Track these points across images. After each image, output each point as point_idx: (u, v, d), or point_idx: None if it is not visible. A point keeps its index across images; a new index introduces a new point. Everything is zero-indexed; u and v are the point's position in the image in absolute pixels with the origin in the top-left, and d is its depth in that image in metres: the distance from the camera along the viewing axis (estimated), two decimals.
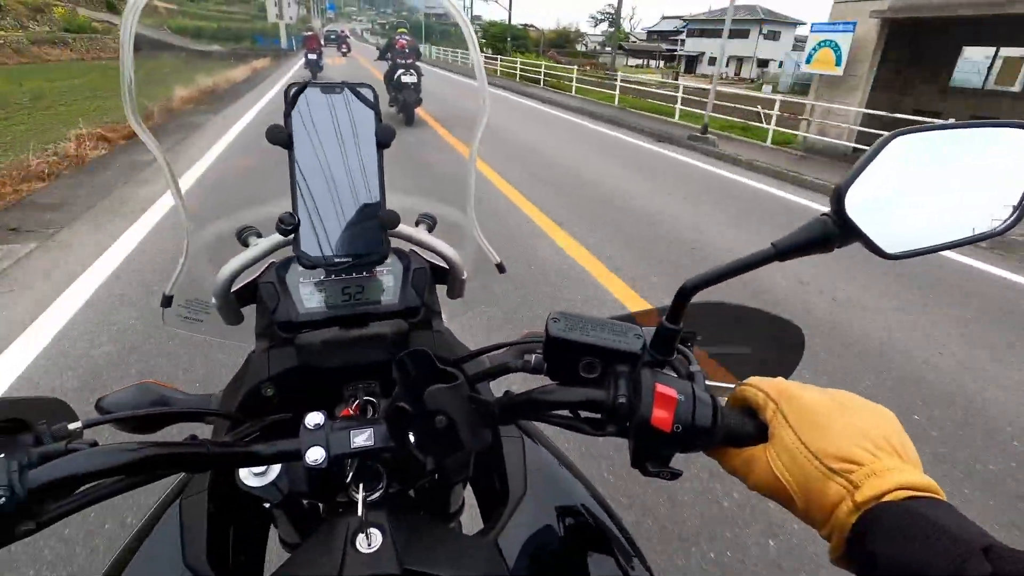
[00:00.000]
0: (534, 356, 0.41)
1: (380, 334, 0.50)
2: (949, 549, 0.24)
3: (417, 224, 0.62)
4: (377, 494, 0.42)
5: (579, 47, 45.82)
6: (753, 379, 0.37)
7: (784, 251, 0.34)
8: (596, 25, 59.07)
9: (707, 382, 0.37)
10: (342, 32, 27.00)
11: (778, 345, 0.60)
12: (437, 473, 0.44)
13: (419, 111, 7.48)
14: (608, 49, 50.34)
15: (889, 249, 0.33)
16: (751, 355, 0.58)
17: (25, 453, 0.30)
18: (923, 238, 0.34)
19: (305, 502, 0.49)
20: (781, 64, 40.45)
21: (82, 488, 0.32)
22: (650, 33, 61.76)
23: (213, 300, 0.56)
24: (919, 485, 0.28)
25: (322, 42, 15.23)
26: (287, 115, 0.44)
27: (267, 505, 0.44)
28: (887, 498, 0.28)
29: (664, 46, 55.65)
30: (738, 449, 0.35)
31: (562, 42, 42.99)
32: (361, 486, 0.41)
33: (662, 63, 53.21)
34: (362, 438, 0.39)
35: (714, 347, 0.52)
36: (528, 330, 0.56)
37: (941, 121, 0.35)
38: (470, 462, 0.47)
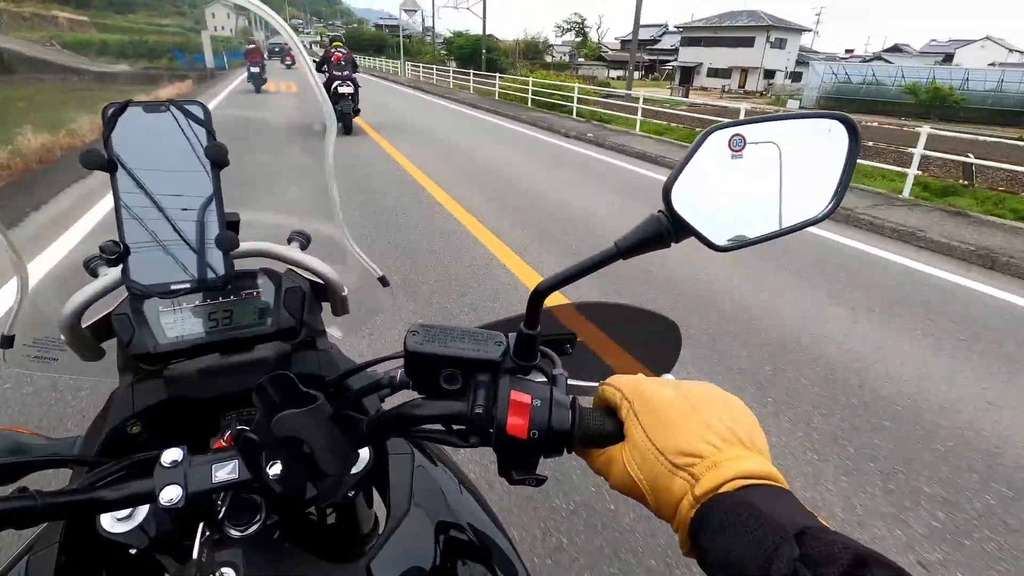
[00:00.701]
0: (399, 372, 0.45)
1: (261, 358, 0.54)
2: (765, 536, 0.29)
3: (289, 242, 0.68)
4: (253, 527, 0.45)
5: (547, 58, 47.84)
6: (613, 378, 0.43)
7: (625, 249, 0.40)
8: (562, 34, 62.19)
9: (572, 382, 0.43)
10: (284, 45, 29.99)
11: (657, 340, 0.67)
12: (313, 502, 0.46)
13: (357, 120, 9.50)
14: (580, 60, 52.78)
15: (719, 241, 0.40)
16: (625, 353, 0.66)
17: None
18: (750, 229, 0.41)
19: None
20: (793, 76, 42.48)
21: None
22: (624, 42, 65.15)
23: (62, 337, 0.59)
24: (756, 473, 0.33)
25: (265, 55, 16.76)
26: (106, 137, 0.49)
27: (132, 551, 0.46)
28: (723, 488, 0.33)
29: (646, 56, 58.55)
30: (600, 450, 0.40)
31: (532, 53, 44.86)
32: (221, 525, 0.44)
33: (645, 75, 55.70)
34: (225, 471, 0.42)
35: (598, 347, 0.59)
36: None
37: (758, 115, 0.42)
38: (340, 486, 0.50)
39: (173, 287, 0.50)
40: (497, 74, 19.18)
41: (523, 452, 0.40)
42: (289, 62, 27.14)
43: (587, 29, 61.23)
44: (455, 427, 0.43)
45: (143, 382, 0.53)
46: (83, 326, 0.60)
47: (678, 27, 51.36)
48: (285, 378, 0.43)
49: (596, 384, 0.52)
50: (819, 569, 0.26)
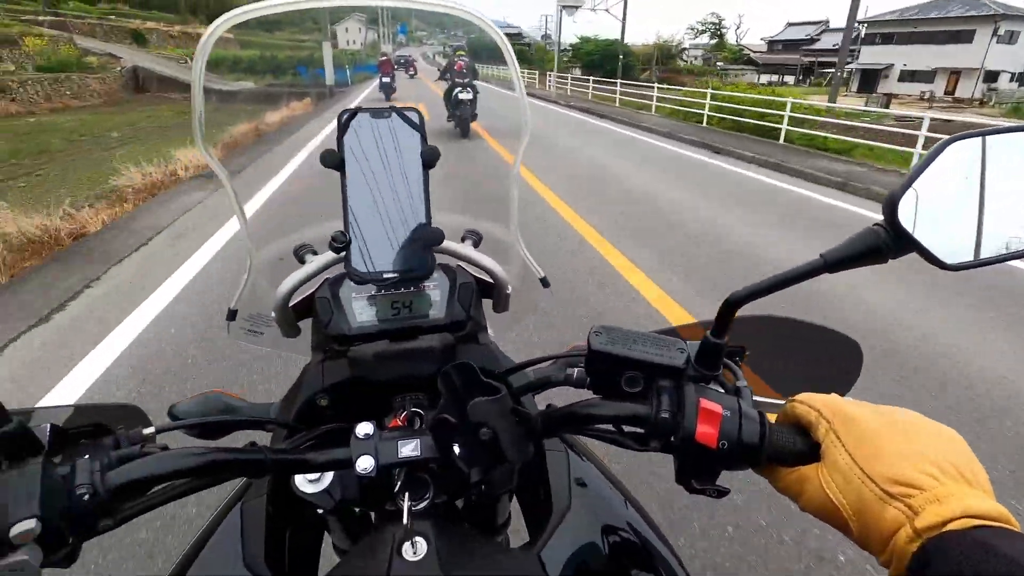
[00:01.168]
0: (576, 370, 0.53)
1: (428, 347, 0.65)
2: None
3: (463, 240, 0.80)
4: (423, 504, 0.54)
5: (679, 62, 47.04)
6: (804, 395, 0.45)
7: (833, 263, 0.43)
8: (696, 36, 60.73)
9: (755, 398, 0.47)
10: (410, 57, 37.22)
11: (833, 360, 0.69)
12: (482, 485, 0.54)
13: (474, 125, 10.83)
14: (719, 63, 50.97)
15: (947, 259, 0.41)
16: (804, 371, 0.68)
17: (106, 455, 0.43)
18: (984, 248, 0.42)
19: (356, 510, 0.63)
20: (1021, 78, 36.78)
21: (154, 489, 0.46)
22: (772, 43, 62.20)
23: (272, 314, 0.75)
24: (988, 513, 0.33)
25: (394, 66, 19.98)
26: (339, 139, 0.60)
27: (320, 511, 0.57)
28: (951, 526, 0.33)
29: (803, 58, 55.42)
30: (788, 468, 0.43)
31: (664, 57, 44.45)
32: (407, 495, 0.53)
33: (803, 79, 52.53)
34: (409, 448, 0.51)
35: (764, 362, 0.61)
36: (574, 343, 0.70)
37: (1004, 124, 0.42)
38: (514, 475, 0.58)
39: (386, 276, 0.61)
40: (656, 84, 17.90)
41: (707, 462, 0.44)
42: (412, 72, 32.28)
43: (724, 30, 59.62)
44: (629, 430, 0.48)
45: (332, 360, 0.66)
46: (289, 306, 0.75)
47: (862, 22, 45.69)
48: (468, 367, 0.51)
49: (776, 401, 0.55)
50: None
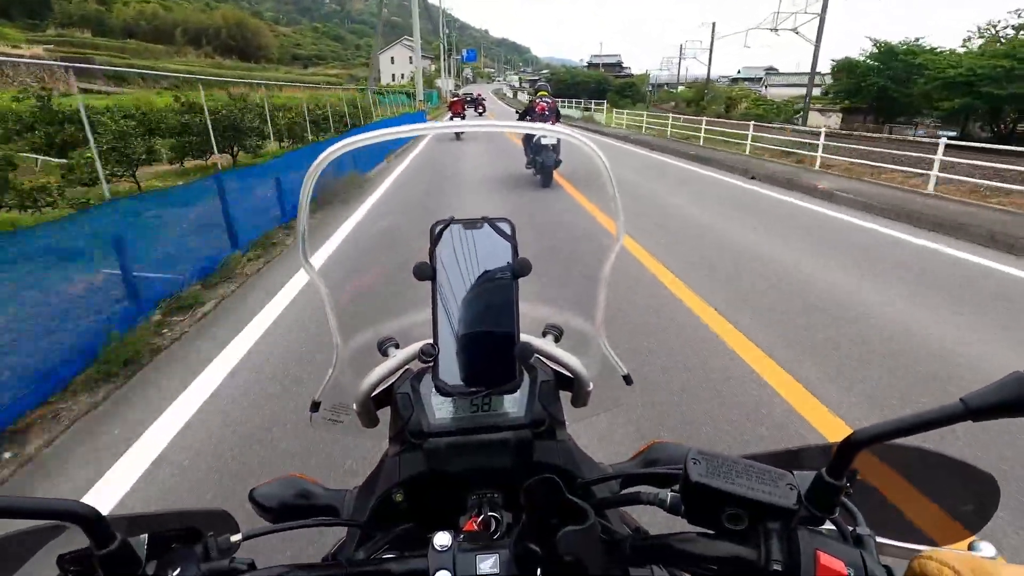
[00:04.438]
0: (670, 494, 0.49)
1: (504, 440, 0.63)
2: None
3: (544, 335, 0.78)
4: None
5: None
6: (937, 551, 0.40)
7: (976, 410, 0.38)
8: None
9: (879, 539, 0.41)
10: (479, 95, 36.24)
11: (963, 496, 0.61)
12: None
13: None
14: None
15: None
16: (927, 509, 0.61)
17: (196, 568, 0.44)
18: None
19: None
20: None
21: None
22: None
23: (354, 406, 0.77)
24: None
25: (464, 107, 20.32)
26: (432, 251, 0.61)
27: None
28: None
29: None
30: None
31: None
32: None
33: None
34: (488, 564, 0.49)
35: (878, 494, 0.56)
36: (654, 439, 0.67)
37: None
38: None
39: (472, 390, 0.61)
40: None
41: None
42: (481, 111, 31.49)
43: None
44: (730, 571, 0.44)
45: (409, 452, 0.65)
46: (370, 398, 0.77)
47: None
48: (553, 484, 0.49)
49: (902, 545, 0.48)
50: None
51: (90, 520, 0.41)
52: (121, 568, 0.41)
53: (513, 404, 0.66)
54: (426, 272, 0.59)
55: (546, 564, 0.47)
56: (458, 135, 18.79)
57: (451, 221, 0.61)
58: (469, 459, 0.62)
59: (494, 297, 0.61)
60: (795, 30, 24.45)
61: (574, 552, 0.45)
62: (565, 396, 0.77)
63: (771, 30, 25.94)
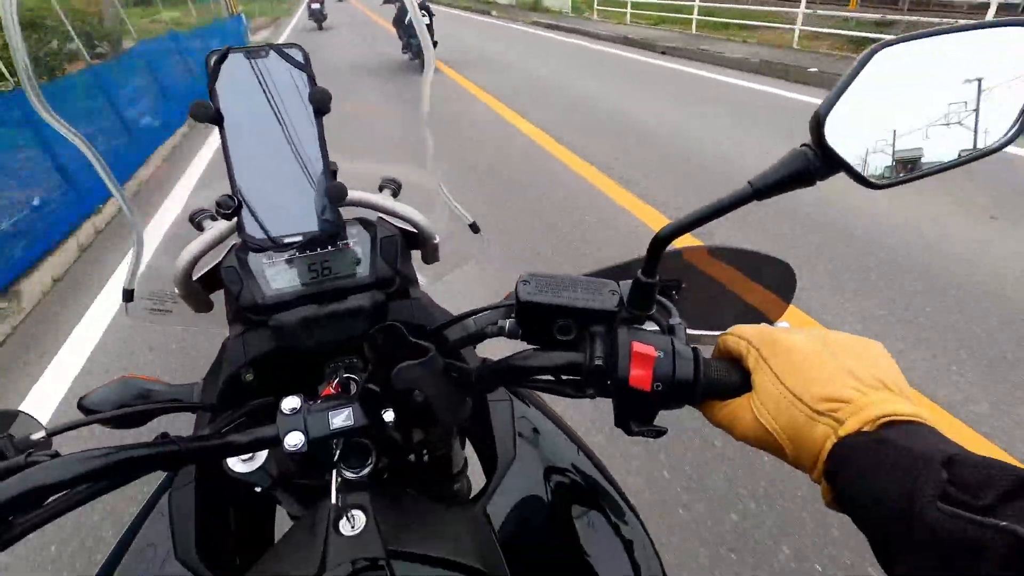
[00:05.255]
0: (508, 321, 0.49)
1: (357, 307, 0.60)
2: (908, 467, 0.31)
3: (381, 190, 0.74)
4: (366, 470, 0.53)
5: None
6: (736, 327, 0.45)
7: (761, 189, 0.41)
8: None
9: (689, 331, 0.45)
10: None
11: (767, 285, 0.69)
12: (422, 447, 0.51)
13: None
14: None
15: (876, 179, 0.39)
16: (738, 299, 0.68)
17: None
18: (912, 162, 0.39)
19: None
20: None
21: (52, 499, 0.41)
22: None
23: (176, 291, 0.69)
24: (900, 412, 0.35)
25: None
26: (211, 88, 0.52)
27: (258, 489, 0.55)
28: (865, 428, 0.34)
29: None
30: (723, 402, 0.43)
31: None
32: (338, 469, 0.51)
33: None
34: (340, 419, 0.49)
35: (698, 293, 0.61)
36: (510, 291, 0.65)
37: (930, 28, 0.39)
38: (452, 433, 0.55)
39: (286, 240, 0.55)
40: None
41: (644, 404, 0.43)
42: None
43: None
44: (566, 377, 0.47)
45: (252, 332, 0.61)
46: (194, 279, 0.69)
47: None
48: (394, 328, 0.48)
49: (712, 333, 0.54)
50: (974, 492, 0.27)
51: None
52: None
53: (356, 265, 0.63)
54: (206, 113, 0.51)
55: (395, 404, 0.47)
56: (320, 25, 16.84)
57: (229, 50, 0.52)
58: (321, 331, 0.59)
59: (295, 134, 0.54)
60: None
61: (412, 385, 0.45)
62: (417, 257, 0.75)
63: None
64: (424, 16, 8.51)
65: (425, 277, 0.74)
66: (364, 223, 0.65)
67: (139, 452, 0.43)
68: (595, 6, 15.81)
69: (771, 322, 0.54)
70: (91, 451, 0.41)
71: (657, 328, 0.46)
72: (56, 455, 0.42)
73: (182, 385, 0.65)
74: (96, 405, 0.58)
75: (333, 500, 0.47)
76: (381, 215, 0.71)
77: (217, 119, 0.52)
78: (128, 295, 0.71)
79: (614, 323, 0.45)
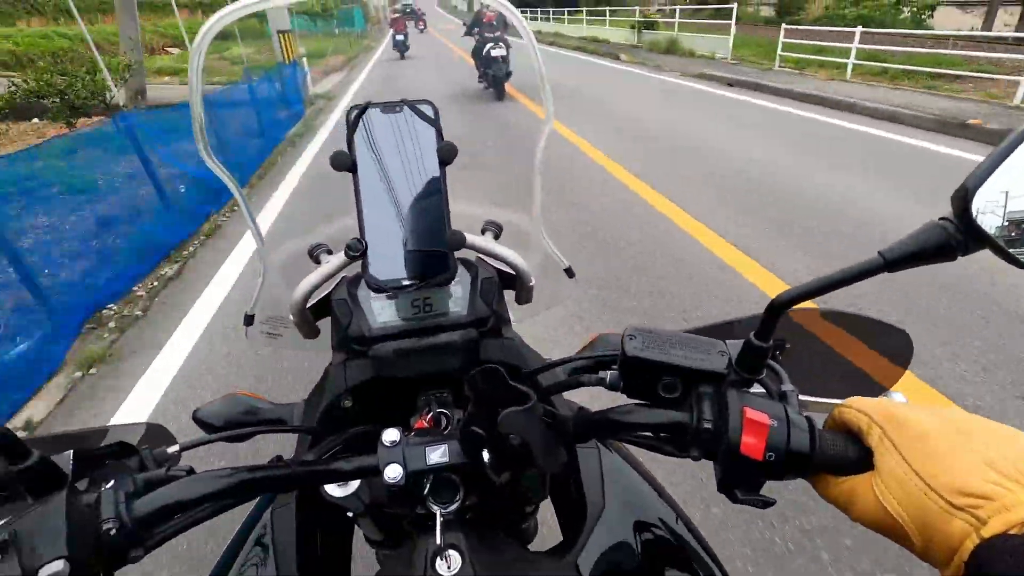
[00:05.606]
0: (610, 373, 0.50)
1: (450, 343, 0.63)
2: None
3: (483, 232, 0.77)
4: (454, 506, 0.54)
5: None
6: (854, 400, 0.42)
7: (893, 261, 0.39)
8: None
9: (801, 397, 0.43)
10: (418, 8, 32.59)
11: (881, 352, 0.66)
12: (513, 490, 0.52)
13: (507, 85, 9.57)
14: None
15: None
16: (848, 365, 0.65)
17: (131, 481, 0.43)
18: None
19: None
20: None
21: (181, 513, 0.45)
22: None
23: (291, 316, 0.74)
24: None
25: (404, 20, 18.65)
26: (349, 139, 0.57)
27: (349, 514, 0.58)
28: (1012, 531, 0.32)
29: None
30: (838, 477, 0.41)
31: None
32: (439, 509, 0.53)
33: None
34: (437, 454, 0.50)
35: (806, 356, 0.59)
36: (597, 332, 0.68)
37: None
38: (546, 479, 0.56)
39: (405, 283, 0.59)
40: None
41: (752, 473, 0.42)
42: (422, 27, 29.66)
43: None
44: (665, 435, 0.46)
45: (353, 360, 0.65)
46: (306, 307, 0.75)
47: None
48: (495, 372, 0.49)
49: (825, 401, 0.51)
50: None
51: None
52: (44, 484, 0.40)
53: (455, 303, 0.65)
54: (344, 162, 0.56)
55: (491, 445, 0.47)
56: (402, 55, 17.93)
57: (367, 106, 0.57)
58: (416, 362, 0.62)
59: (420, 185, 0.58)
60: None
61: (516, 431, 0.45)
62: (510, 296, 0.77)
63: None
64: (501, 48, 8.89)
65: (515, 315, 0.76)
66: (466, 263, 0.68)
67: (259, 474, 0.46)
68: (778, 52, 11.30)
69: (884, 390, 0.52)
70: (220, 471, 0.45)
71: (765, 392, 0.45)
72: (191, 471, 0.46)
73: (283, 405, 0.70)
74: (209, 418, 0.64)
75: (438, 535, 0.48)
76: (480, 255, 0.73)
77: (352, 168, 0.56)
78: (249, 319, 0.77)
79: (723, 385, 0.44)
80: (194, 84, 0.55)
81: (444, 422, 0.60)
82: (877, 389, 0.64)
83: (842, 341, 0.65)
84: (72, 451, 0.44)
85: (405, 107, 0.58)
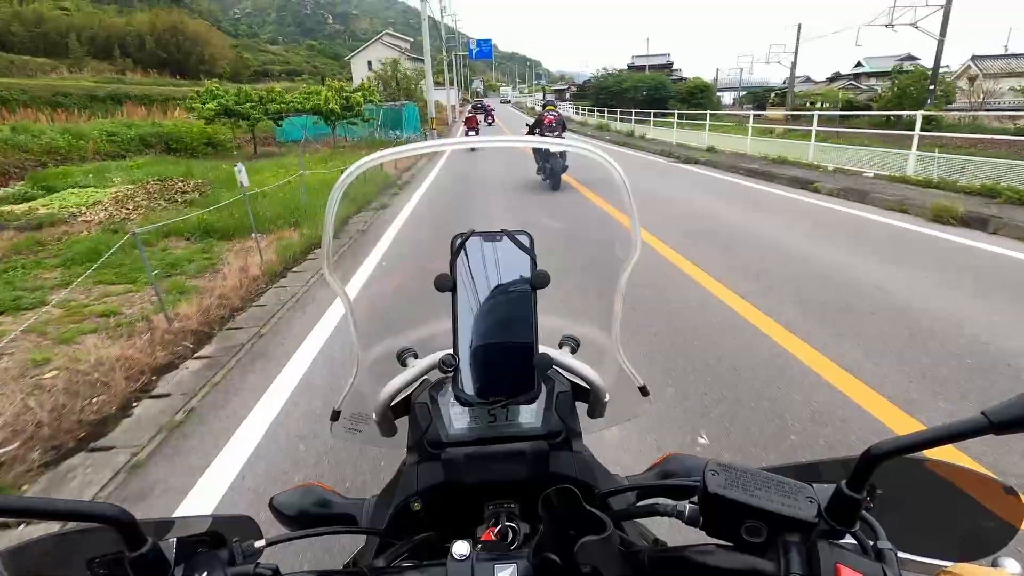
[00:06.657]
0: (688, 506, 0.49)
1: (520, 451, 0.63)
2: None
3: (561, 346, 0.78)
4: None
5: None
6: (960, 567, 0.39)
7: (1000, 424, 0.36)
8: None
9: (901, 554, 0.41)
10: (488, 105, 38.28)
11: (987, 511, 0.60)
12: None
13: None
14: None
15: None
16: (950, 521, 0.60)
17: (222, 572, 0.46)
18: None
19: None
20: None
21: None
22: None
23: (373, 415, 0.78)
24: None
25: (477, 117, 20.71)
26: (452, 263, 0.62)
27: None
28: None
29: None
30: None
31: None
32: None
33: None
34: (506, 574, 0.49)
35: (899, 508, 0.55)
36: (668, 452, 0.67)
37: None
38: None
39: (492, 399, 0.61)
40: None
41: None
42: (490, 121, 32.04)
43: None
44: None
45: (426, 463, 0.66)
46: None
47: None
48: (571, 494, 0.48)
49: (923, 560, 0.48)
50: None
51: (123, 523, 0.41)
52: (150, 571, 0.42)
53: (530, 415, 0.66)
54: (446, 284, 0.61)
55: (565, 574, 0.46)
56: (472, 148, 18.98)
57: (471, 234, 0.62)
58: (486, 470, 0.62)
59: (513, 308, 0.61)
60: (915, 24, 21.94)
61: (593, 562, 0.44)
62: (581, 408, 0.77)
63: (886, 26, 22.76)
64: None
65: (586, 426, 0.76)
66: (543, 377, 0.69)
67: None
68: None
69: (990, 553, 0.48)
70: (302, 573, 0.47)
71: (857, 544, 0.42)
72: (276, 571, 0.49)
73: (354, 500, 0.72)
74: (283, 507, 0.68)
75: None
76: (558, 368, 0.74)
77: (453, 289, 0.61)
78: (335, 415, 0.80)
79: (812, 535, 0.42)
80: (329, 219, 0.62)
81: (511, 535, 0.59)
82: (982, 551, 0.58)
83: (943, 494, 0.60)
84: (176, 539, 0.46)
85: (504, 236, 0.63)
